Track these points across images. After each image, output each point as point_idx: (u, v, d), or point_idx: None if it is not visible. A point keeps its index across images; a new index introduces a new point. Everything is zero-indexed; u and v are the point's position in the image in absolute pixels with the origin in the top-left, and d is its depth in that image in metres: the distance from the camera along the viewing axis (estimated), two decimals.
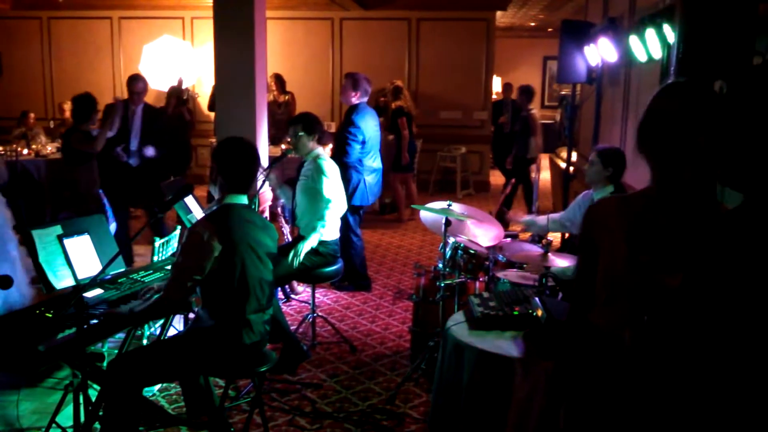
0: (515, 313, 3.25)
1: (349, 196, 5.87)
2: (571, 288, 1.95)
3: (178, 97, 8.96)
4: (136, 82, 6.31)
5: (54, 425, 3.32)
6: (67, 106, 9.72)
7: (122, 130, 6.26)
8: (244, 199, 3.16)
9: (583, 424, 1.80)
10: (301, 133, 4.62)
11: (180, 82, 9.09)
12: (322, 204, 4.54)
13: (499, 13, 11.83)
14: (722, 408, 1.33)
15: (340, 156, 5.87)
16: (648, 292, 1.65)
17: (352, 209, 5.97)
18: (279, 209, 5.94)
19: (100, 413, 3.02)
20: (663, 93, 1.74)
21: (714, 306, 1.30)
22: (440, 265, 4.28)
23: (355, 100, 5.95)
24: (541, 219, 4.54)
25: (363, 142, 5.93)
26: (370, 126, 5.98)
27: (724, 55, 2.97)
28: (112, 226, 5.64)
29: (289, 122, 4.87)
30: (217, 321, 3.05)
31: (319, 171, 4.56)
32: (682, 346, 1.37)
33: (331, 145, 6.24)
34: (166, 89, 9.64)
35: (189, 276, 2.95)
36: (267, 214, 5.75)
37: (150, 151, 6.32)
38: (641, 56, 4.54)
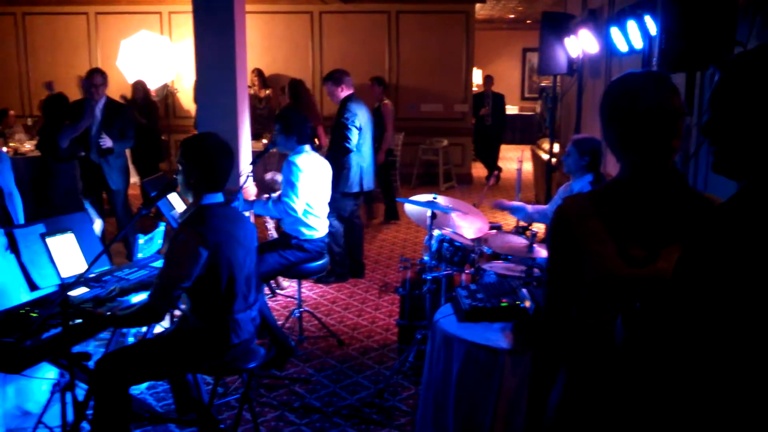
0: (503, 304, 3.26)
1: (349, 183, 5.97)
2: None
3: (145, 95, 8.84)
4: (93, 75, 6.33)
5: (41, 425, 3.29)
6: None
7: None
8: (220, 197, 3.06)
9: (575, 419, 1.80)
10: (278, 132, 4.65)
11: (143, 86, 8.93)
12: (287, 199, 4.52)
13: (478, 6, 11.84)
14: (715, 401, 1.33)
15: (341, 142, 6.00)
16: (645, 287, 1.64)
17: (354, 196, 6.05)
18: None
19: (88, 412, 3.00)
20: (640, 84, 1.70)
21: (710, 299, 1.31)
22: (426, 258, 4.28)
23: (344, 93, 6.10)
24: (528, 207, 4.56)
25: (360, 128, 6.03)
26: (363, 114, 6.10)
27: (706, 45, 3.00)
28: (99, 223, 5.59)
29: (275, 118, 4.89)
30: (205, 323, 3.01)
31: (291, 180, 4.52)
32: (675, 335, 1.37)
33: (315, 141, 6.26)
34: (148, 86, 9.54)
35: (176, 285, 2.88)
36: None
37: (107, 143, 6.25)
38: (622, 47, 4.56)
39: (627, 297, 1.67)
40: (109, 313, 2.98)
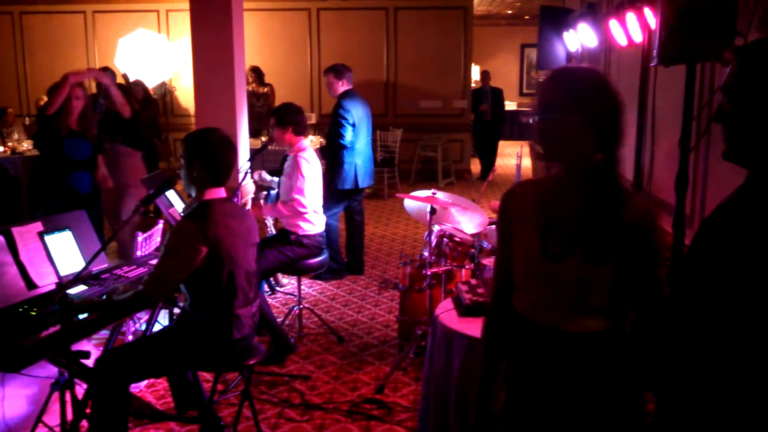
0: None
1: (341, 180, 5.96)
2: None
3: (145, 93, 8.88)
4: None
5: (40, 424, 3.28)
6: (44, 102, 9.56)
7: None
8: (222, 192, 3.07)
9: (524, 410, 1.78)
10: (274, 125, 4.64)
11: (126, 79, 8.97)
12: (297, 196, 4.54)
13: (476, 2, 11.84)
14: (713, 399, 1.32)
15: (335, 139, 5.99)
16: (556, 281, 1.64)
17: (343, 194, 6.01)
18: (262, 201, 5.90)
19: (87, 411, 2.98)
20: (574, 80, 1.72)
21: (719, 287, 1.29)
22: (426, 254, 4.27)
23: (342, 88, 6.07)
24: None
25: (353, 125, 5.98)
26: (358, 110, 6.06)
27: (706, 37, 2.98)
28: None
29: (271, 113, 4.89)
30: (205, 318, 3.00)
31: (296, 169, 4.53)
32: (684, 325, 1.36)
33: (312, 137, 6.23)
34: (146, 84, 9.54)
35: (172, 277, 2.88)
36: (249, 206, 5.71)
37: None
38: (621, 40, 4.54)
39: (542, 288, 1.67)
40: (105, 297, 2.98)
